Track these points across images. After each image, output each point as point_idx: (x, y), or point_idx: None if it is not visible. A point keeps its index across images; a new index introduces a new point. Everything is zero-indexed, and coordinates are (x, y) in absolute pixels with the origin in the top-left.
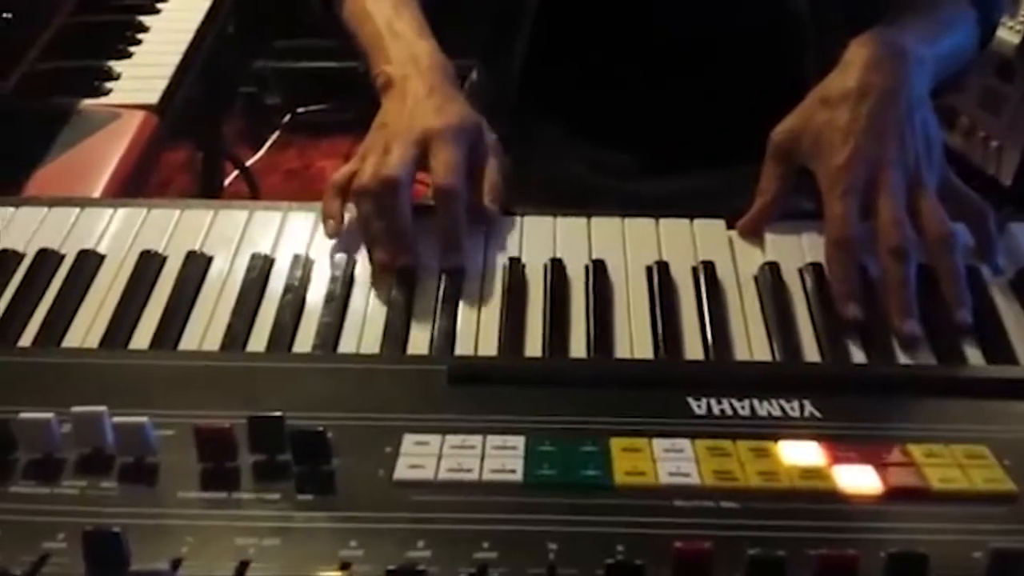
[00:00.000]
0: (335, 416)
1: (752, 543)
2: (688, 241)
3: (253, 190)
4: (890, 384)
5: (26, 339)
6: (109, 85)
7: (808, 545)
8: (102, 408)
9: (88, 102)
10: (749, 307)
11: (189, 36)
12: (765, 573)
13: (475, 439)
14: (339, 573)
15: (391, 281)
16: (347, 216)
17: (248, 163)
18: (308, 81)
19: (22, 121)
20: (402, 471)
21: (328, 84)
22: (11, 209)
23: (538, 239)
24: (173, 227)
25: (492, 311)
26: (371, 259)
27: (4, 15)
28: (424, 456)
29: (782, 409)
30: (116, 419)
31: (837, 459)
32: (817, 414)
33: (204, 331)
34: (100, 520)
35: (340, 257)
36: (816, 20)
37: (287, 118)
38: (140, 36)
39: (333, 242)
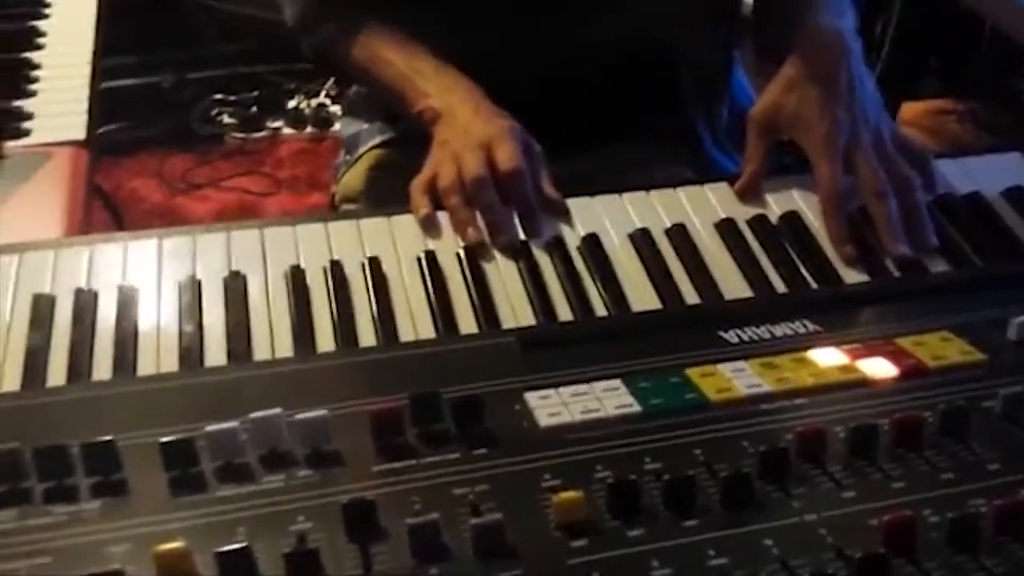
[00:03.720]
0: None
1: (837, 423)
2: (649, 208)
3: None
4: (863, 298)
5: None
6: (26, 125)
7: (876, 416)
8: (278, 410)
9: (12, 144)
10: (719, 255)
11: (86, 69)
12: (866, 438)
13: (584, 387)
14: (575, 493)
15: (419, 269)
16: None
17: None
18: None
19: None
20: (545, 420)
21: None
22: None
23: None
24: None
25: (516, 285)
26: (465, 240)
27: None
28: (553, 406)
29: (791, 329)
30: (298, 416)
31: (856, 357)
32: (818, 328)
33: (270, 339)
34: (319, 502)
35: (361, 260)
36: (684, 24)
37: None
38: (35, 73)
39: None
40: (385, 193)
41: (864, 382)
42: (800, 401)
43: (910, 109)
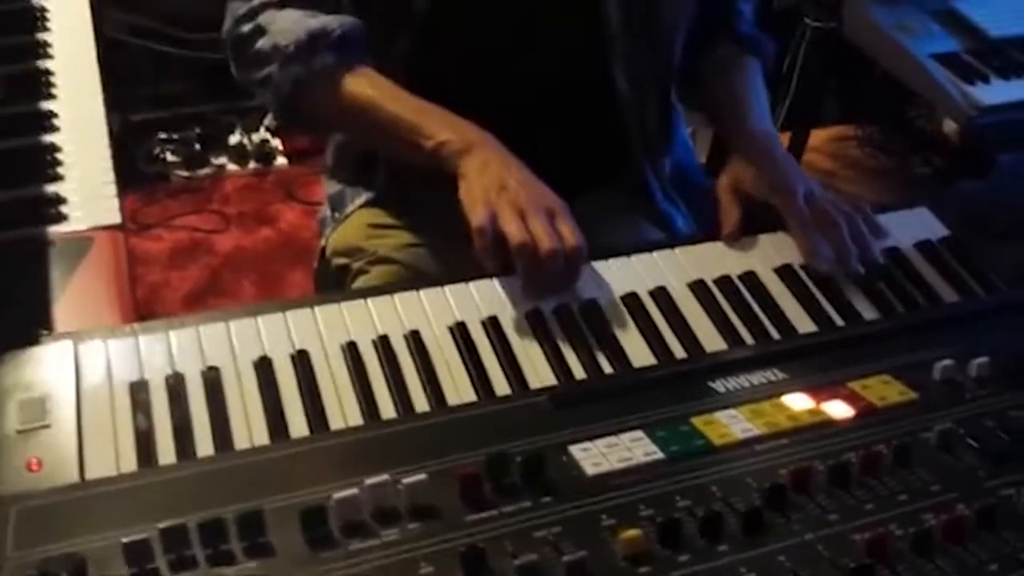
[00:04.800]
0: (498, 449)
1: (815, 458)
2: (632, 272)
3: None
4: (817, 347)
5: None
6: (63, 210)
7: (842, 451)
8: (386, 476)
9: (55, 230)
10: (695, 312)
11: (106, 150)
12: (839, 472)
13: (614, 439)
14: (636, 531)
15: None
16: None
17: None
18: None
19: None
20: (591, 469)
21: None
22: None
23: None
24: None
25: (535, 348)
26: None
27: None
28: (594, 457)
29: (765, 378)
30: (405, 479)
31: (820, 400)
32: (785, 376)
33: (340, 410)
34: (433, 549)
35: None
36: (632, 93)
37: None
38: (58, 157)
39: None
40: (381, 245)
41: (829, 423)
42: (784, 441)
43: (816, 136)
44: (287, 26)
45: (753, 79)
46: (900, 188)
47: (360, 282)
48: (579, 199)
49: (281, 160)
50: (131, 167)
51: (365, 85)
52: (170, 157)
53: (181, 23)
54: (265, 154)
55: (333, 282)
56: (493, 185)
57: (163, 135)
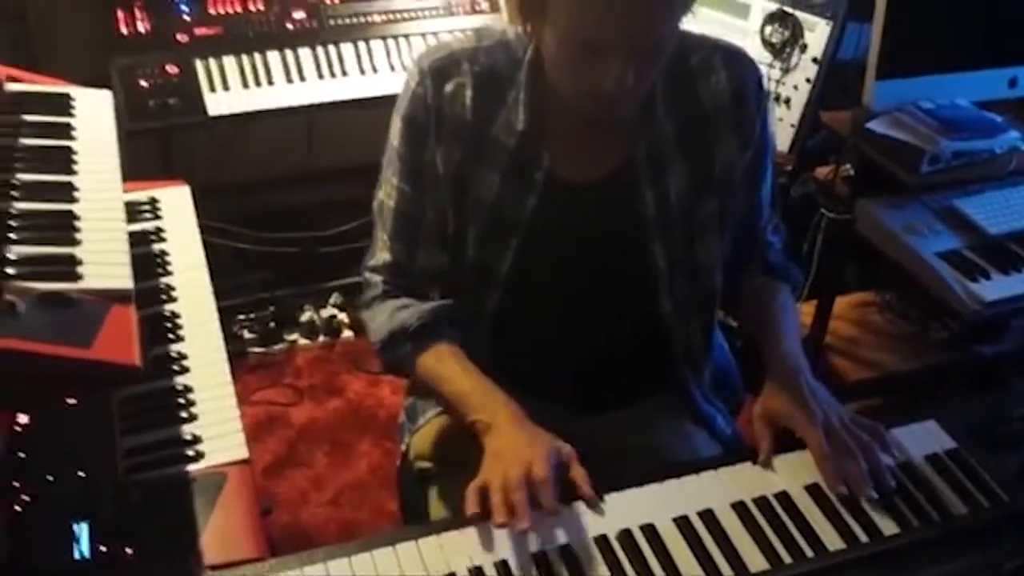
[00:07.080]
0: None
1: None
2: (682, 494)
3: None
4: (845, 565)
5: None
6: (201, 449)
7: None
8: None
9: (193, 468)
10: (738, 530)
11: (230, 387)
12: None
13: None
14: None
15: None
16: None
17: None
18: None
19: (150, 497)
20: None
21: None
22: None
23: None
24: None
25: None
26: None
27: (69, 405)
28: None
29: None
30: None
31: None
32: None
33: None
34: None
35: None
36: (677, 316)
37: None
38: (191, 397)
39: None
40: (454, 455)
41: None
42: None
43: (839, 304)
44: (379, 323)
45: (785, 303)
46: (921, 352)
47: (440, 484)
48: (628, 406)
49: (347, 333)
50: None
51: (434, 365)
52: (246, 335)
53: (249, 223)
54: (333, 328)
55: (415, 480)
56: (496, 455)
57: (241, 316)
